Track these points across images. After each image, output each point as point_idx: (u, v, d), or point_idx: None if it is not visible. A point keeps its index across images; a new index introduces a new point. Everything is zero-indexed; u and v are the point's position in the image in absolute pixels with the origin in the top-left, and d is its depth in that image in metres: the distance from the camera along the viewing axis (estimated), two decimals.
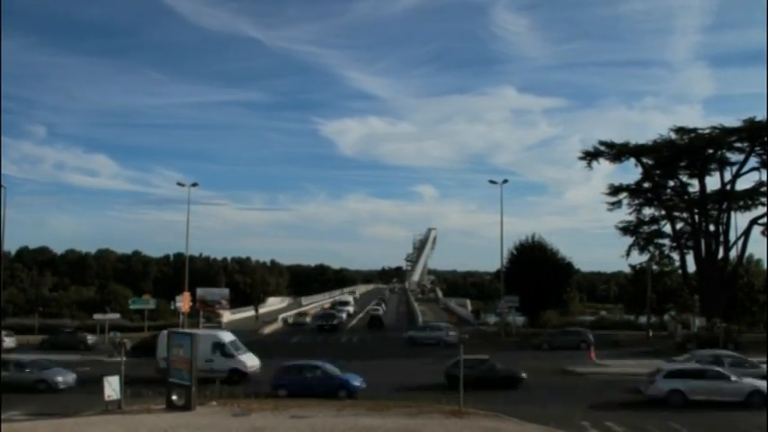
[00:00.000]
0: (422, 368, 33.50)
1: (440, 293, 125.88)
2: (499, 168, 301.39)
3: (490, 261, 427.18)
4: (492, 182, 51.31)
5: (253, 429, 17.53)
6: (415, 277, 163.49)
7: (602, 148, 57.38)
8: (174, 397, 20.38)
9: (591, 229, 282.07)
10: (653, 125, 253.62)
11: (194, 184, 49.60)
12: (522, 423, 18.77)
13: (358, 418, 18.78)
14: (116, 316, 48.66)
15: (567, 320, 62.11)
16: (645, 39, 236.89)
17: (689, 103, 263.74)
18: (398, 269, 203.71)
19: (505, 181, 50.91)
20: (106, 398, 20.46)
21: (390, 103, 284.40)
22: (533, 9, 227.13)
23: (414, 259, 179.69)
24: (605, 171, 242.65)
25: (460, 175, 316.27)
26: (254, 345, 44.65)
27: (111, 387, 20.58)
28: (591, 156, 57.93)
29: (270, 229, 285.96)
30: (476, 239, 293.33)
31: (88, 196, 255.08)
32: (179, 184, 49.07)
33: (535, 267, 57.17)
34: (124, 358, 22.06)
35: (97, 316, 46.91)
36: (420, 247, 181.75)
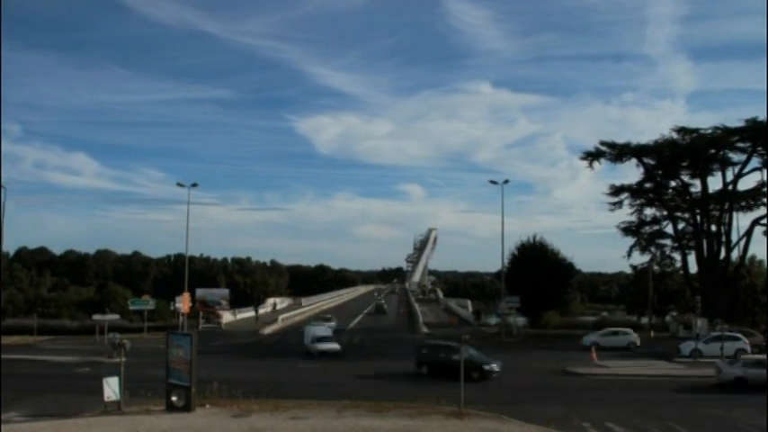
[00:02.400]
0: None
1: (440, 294, 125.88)
2: (482, 167, 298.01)
3: (490, 261, 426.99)
4: (493, 182, 51.33)
5: (252, 430, 17.44)
6: (416, 278, 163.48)
7: (604, 148, 57.45)
8: (174, 398, 20.27)
9: (582, 229, 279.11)
10: (634, 121, 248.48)
11: (194, 185, 49.62)
12: (522, 424, 18.67)
13: (358, 419, 18.70)
14: (115, 317, 48.40)
15: (568, 321, 62.09)
16: (618, 31, 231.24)
17: (671, 98, 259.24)
18: (399, 270, 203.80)
19: (506, 181, 50.97)
20: (105, 399, 20.35)
21: (362, 99, 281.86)
22: (488, 0, 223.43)
23: (414, 260, 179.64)
24: (592, 170, 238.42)
25: (445, 174, 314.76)
26: (254, 346, 44.86)
27: (111, 388, 20.46)
28: (593, 156, 57.98)
29: (261, 229, 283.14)
30: (468, 239, 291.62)
31: (73, 196, 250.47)
32: (179, 184, 49.15)
33: (536, 268, 57.09)
34: (124, 359, 21.95)
35: (96, 317, 46.74)
36: (421, 247, 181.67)
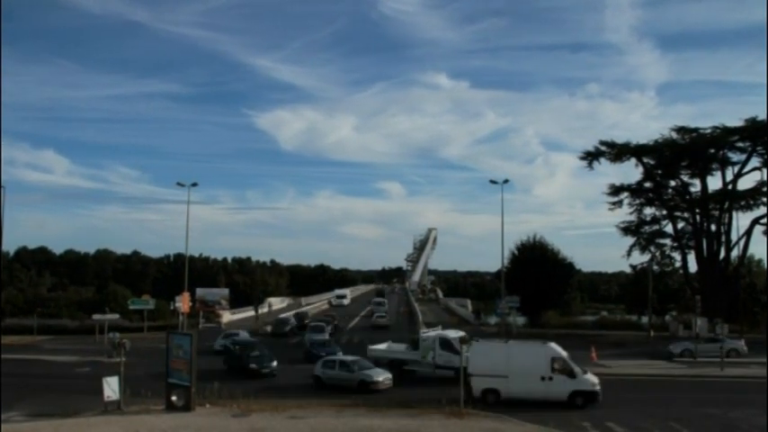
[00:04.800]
0: None
1: (440, 294, 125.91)
2: (454, 163, 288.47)
3: (490, 261, 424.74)
4: (493, 182, 51.16)
5: (252, 430, 17.44)
6: (416, 277, 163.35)
7: (603, 147, 57.38)
8: (174, 398, 20.28)
9: (571, 228, 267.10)
10: (605, 115, 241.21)
11: (194, 184, 49.47)
12: (522, 423, 18.68)
13: (358, 419, 18.69)
14: (115, 316, 48.31)
15: (568, 321, 62.05)
16: (572, 17, 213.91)
17: (639, 89, 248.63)
18: (399, 269, 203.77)
19: (506, 181, 50.75)
20: (105, 398, 20.37)
21: (316, 93, 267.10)
22: None
23: (414, 259, 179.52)
24: (569, 166, 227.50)
25: (423, 172, 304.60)
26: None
27: (111, 388, 20.47)
28: (592, 156, 57.93)
29: (251, 228, 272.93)
30: (458, 239, 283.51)
31: (48, 194, 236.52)
32: (179, 184, 48.85)
33: (536, 267, 57.00)
34: (124, 359, 21.95)
35: (96, 316, 46.70)
36: (420, 247, 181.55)
